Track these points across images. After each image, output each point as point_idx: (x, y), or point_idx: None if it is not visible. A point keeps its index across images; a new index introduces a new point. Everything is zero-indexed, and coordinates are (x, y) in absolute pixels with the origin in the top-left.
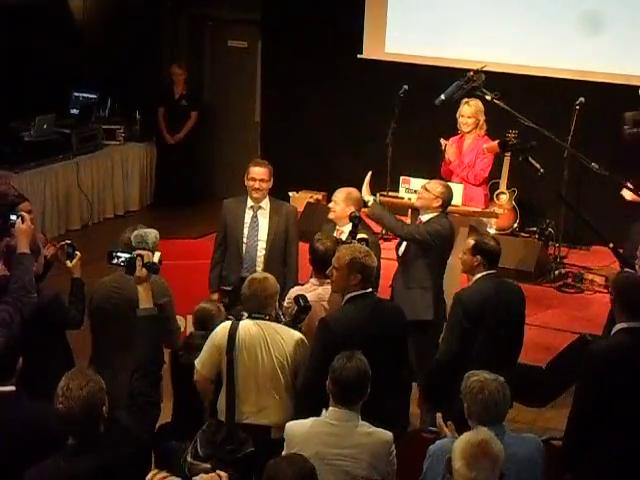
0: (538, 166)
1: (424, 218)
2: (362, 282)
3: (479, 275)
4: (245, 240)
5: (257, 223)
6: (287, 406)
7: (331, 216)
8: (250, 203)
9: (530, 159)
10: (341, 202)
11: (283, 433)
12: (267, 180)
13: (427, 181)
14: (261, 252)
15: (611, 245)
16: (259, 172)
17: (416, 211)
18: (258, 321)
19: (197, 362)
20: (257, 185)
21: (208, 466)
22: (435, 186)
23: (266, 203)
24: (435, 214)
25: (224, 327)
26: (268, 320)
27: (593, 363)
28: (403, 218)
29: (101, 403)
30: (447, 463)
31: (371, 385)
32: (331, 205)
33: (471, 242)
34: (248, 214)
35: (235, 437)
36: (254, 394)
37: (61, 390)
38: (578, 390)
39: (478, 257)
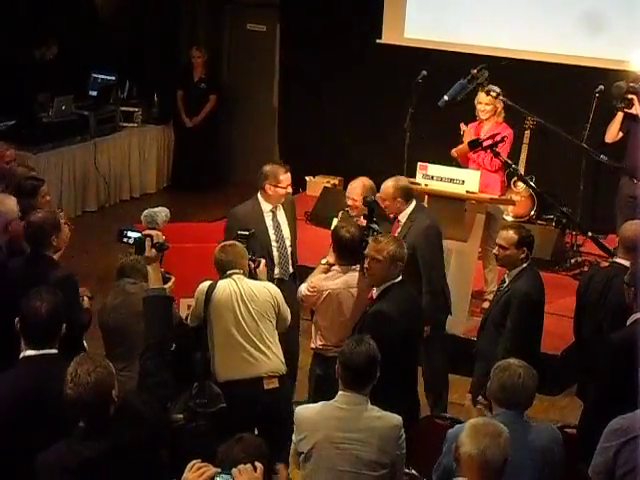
0: (522, 173)
1: (401, 218)
2: (400, 270)
3: (524, 265)
4: (275, 244)
5: (279, 224)
6: (275, 355)
7: (354, 213)
8: (268, 207)
9: (514, 166)
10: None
11: (276, 382)
12: None
13: (384, 190)
14: (289, 249)
15: (590, 234)
16: (289, 177)
17: (431, 198)
18: (234, 276)
19: (189, 317)
20: (289, 190)
21: (180, 416)
22: (392, 186)
23: None
24: (412, 206)
25: (204, 286)
26: (242, 274)
27: (611, 352)
28: None
29: (110, 387)
30: (454, 451)
31: (401, 374)
32: (352, 203)
33: (515, 236)
34: (268, 217)
35: (206, 392)
36: (241, 350)
37: (70, 376)
38: (596, 379)
39: (524, 249)
